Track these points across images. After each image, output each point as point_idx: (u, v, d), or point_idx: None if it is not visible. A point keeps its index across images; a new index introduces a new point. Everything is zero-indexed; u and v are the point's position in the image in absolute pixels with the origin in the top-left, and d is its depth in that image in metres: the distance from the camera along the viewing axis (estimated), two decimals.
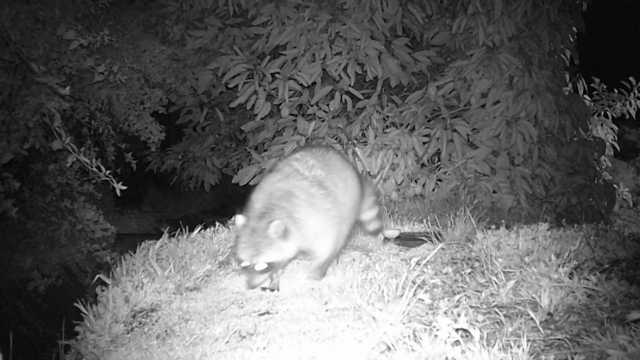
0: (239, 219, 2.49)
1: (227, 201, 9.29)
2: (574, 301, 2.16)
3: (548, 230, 3.02)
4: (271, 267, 2.48)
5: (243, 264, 2.45)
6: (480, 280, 2.46)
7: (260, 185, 2.65)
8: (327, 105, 6.39)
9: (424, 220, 4.35)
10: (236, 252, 2.50)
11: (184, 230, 3.60)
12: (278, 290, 2.70)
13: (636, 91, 8.76)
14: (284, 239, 2.43)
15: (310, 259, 2.77)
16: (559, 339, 1.85)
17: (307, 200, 2.56)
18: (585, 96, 8.28)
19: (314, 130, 6.16)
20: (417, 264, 2.33)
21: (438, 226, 3.68)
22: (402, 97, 6.62)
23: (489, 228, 3.42)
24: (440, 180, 6.23)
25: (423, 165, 6.42)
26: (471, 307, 2.16)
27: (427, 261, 2.64)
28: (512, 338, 1.85)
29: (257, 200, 2.56)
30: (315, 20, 6.22)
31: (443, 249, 3.27)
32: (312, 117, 6.38)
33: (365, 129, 6.38)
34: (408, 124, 6.31)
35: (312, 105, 6.37)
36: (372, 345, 1.85)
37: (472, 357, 1.63)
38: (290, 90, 6.22)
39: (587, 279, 2.27)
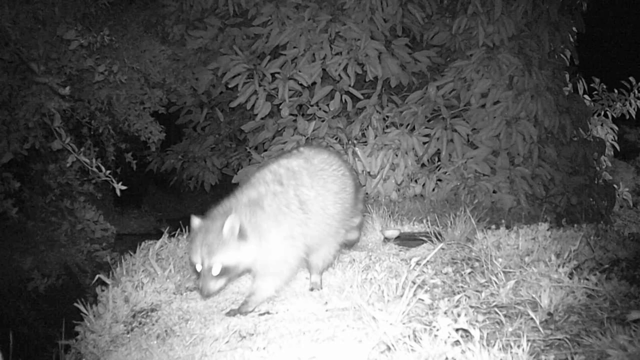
0: (195, 221, 2.28)
1: None
2: (574, 301, 2.16)
3: (548, 230, 3.02)
4: (227, 272, 2.22)
5: (197, 268, 2.22)
6: (480, 280, 2.45)
7: (236, 188, 2.44)
8: (327, 105, 6.38)
9: (424, 220, 4.35)
10: (189, 256, 2.27)
11: (184, 230, 3.60)
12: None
13: (636, 91, 8.75)
14: (240, 239, 2.21)
15: (255, 280, 2.43)
16: (559, 339, 1.85)
17: (274, 216, 2.30)
18: (585, 96, 8.28)
19: (314, 130, 6.16)
20: (417, 264, 2.33)
21: (438, 226, 3.68)
22: (402, 97, 6.61)
23: (489, 228, 3.42)
24: (440, 180, 6.23)
25: (423, 165, 6.42)
26: (471, 307, 2.16)
27: (427, 261, 2.64)
28: (512, 338, 1.85)
29: (221, 204, 2.36)
30: (315, 20, 6.22)
31: (443, 249, 3.27)
32: (312, 117, 6.38)
33: (365, 129, 6.38)
34: (408, 124, 6.31)
35: (312, 105, 6.37)
36: (372, 345, 1.85)
37: (472, 357, 1.63)
38: (290, 90, 6.22)
39: (587, 279, 2.27)
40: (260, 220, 2.26)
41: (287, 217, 2.32)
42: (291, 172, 2.45)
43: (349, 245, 3.07)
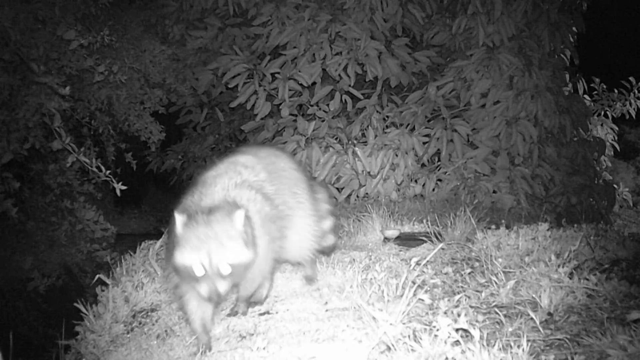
0: (180, 218, 1.89)
1: None
2: (574, 301, 2.16)
3: (548, 230, 3.02)
4: (235, 272, 1.89)
5: (197, 271, 1.84)
6: (480, 280, 2.45)
7: (204, 185, 2.14)
8: (327, 105, 6.38)
9: (424, 220, 4.34)
10: (182, 257, 1.86)
11: None
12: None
13: (636, 91, 8.75)
14: (246, 235, 1.95)
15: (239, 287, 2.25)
16: (559, 339, 1.85)
17: (261, 221, 2.10)
18: (585, 96, 8.27)
19: (314, 130, 6.16)
20: (417, 264, 2.33)
21: (438, 226, 3.68)
22: (402, 97, 6.61)
23: (489, 228, 3.41)
24: (440, 180, 6.23)
25: (423, 165, 6.42)
26: (471, 307, 2.16)
27: (427, 261, 2.63)
28: (512, 338, 1.85)
29: (200, 201, 2.03)
30: (315, 20, 6.22)
31: (443, 249, 3.26)
32: (312, 117, 6.38)
33: (365, 129, 6.38)
34: (408, 124, 6.31)
35: (312, 105, 6.37)
36: (372, 345, 1.84)
37: (472, 357, 1.63)
38: (290, 90, 6.22)
39: (587, 279, 2.27)
40: (252, 223, 2.04)
41: (267, 219, 2.15)
42: (250, 169, 2.25)
43: (326, 251, 2.91)
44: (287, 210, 2.32)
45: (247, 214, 1.98)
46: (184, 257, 1.85)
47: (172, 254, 1.92)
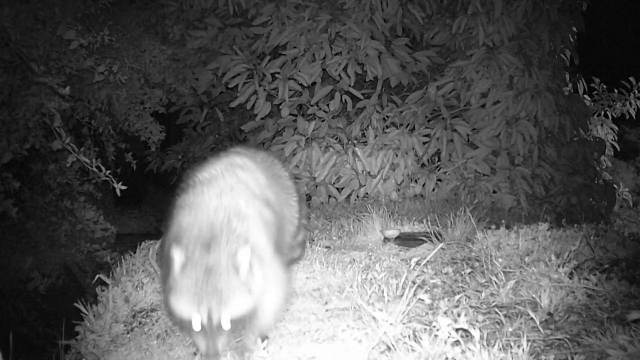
0: (178, 254, 1.63)
1: None
2: (574, 301, 2.16)
3: (548, 230, 3.01)
4: (237, 324, 1.66)
5: (195, 325, 1.62)
6: (480, 280, 2.45)
7: (194, 198, 1.81)
8: (327, 105, 6.39)
9: (424, 220, 4.34)
10: (178, 306, 1.63)
11: None
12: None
13: (636, 91, 8.76)
14: (251, 275, 1.66)
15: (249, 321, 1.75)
16: (559, 339, 1.85)
17: (264, 226, 1.81)
18: (585, 96, 8.28)
19: (314, 130, 6.17)
20: (417, 264, 2.33)
21: (438, 226, 3.68)
22: (402, 97, 6.62)
23: (489, 228, 3.41)
24: (440, 180, 6.23)
25: (423, 165, 6.43)
26: (471, 307, 2.16)
27: (427, 261, 2.63)
28: (512, 338, 1.85)
29: (194, 221, 1.71)
30: (315, 20, 6.22)
31: (443, 249, 3.26)
32: (312, 117, 6.38)
33: (365, 129, 6.39)
34: (408, 124, 6.32)
35: (312, 105, 6.38)
36: (372, 345, 1.84)
37: (472, 357, 1.63)
38: (290, 90, 6.23)
39: (587, 279, 2.26)
40: (255, 233, 1.77)
41: (272, 226, 1.89)
42: (248, 170, 1.96)
43: (292, 262, 2.72)
44: (282, 219, 2.09)
45: (250, 230, 1.74)
46: (182, 307, 1.64)
47: (168, 295, 1.68)
